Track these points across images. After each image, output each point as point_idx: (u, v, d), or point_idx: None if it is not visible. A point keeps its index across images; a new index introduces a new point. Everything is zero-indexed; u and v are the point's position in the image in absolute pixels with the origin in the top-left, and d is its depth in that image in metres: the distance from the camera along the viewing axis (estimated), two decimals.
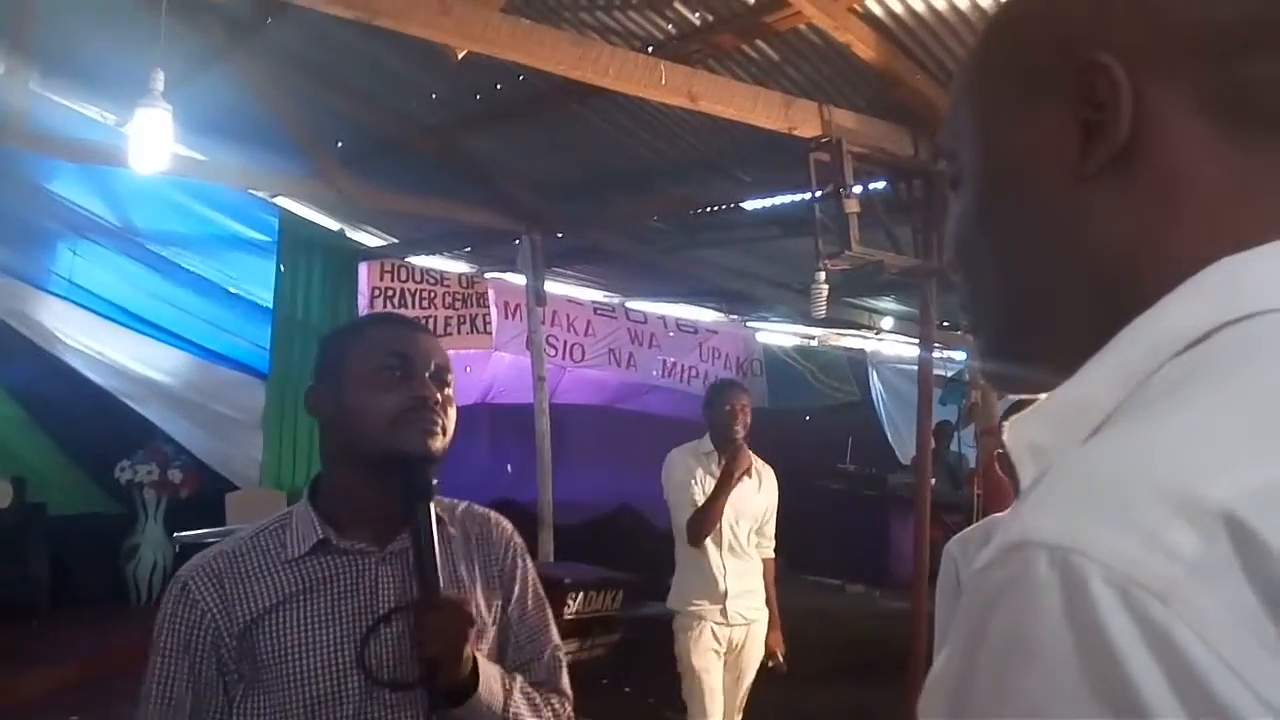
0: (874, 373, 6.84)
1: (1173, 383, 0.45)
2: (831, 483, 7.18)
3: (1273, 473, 0.38)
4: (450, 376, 1.35)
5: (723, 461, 3.75)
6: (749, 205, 4.66)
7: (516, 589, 1.42)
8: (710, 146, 4.30)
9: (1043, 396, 0.52)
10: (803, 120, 3.20)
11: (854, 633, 5.84)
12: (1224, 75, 0.49)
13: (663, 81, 2.96)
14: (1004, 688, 0.39)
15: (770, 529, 3.92)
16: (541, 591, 1.46)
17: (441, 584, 1.27)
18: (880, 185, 3.63)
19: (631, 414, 6.97)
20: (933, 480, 4.60)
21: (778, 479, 3.93)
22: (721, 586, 3.73)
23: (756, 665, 3.87)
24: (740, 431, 3.72)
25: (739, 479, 3.68)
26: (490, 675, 1.29)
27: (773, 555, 3.93)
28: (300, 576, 1.27)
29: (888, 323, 6.15)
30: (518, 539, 1.46)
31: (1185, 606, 0.36)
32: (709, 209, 4.83)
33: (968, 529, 2.38)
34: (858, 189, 3.35)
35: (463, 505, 1.44)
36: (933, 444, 4.40)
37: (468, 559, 1.38)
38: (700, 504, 3.67)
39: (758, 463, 3.82)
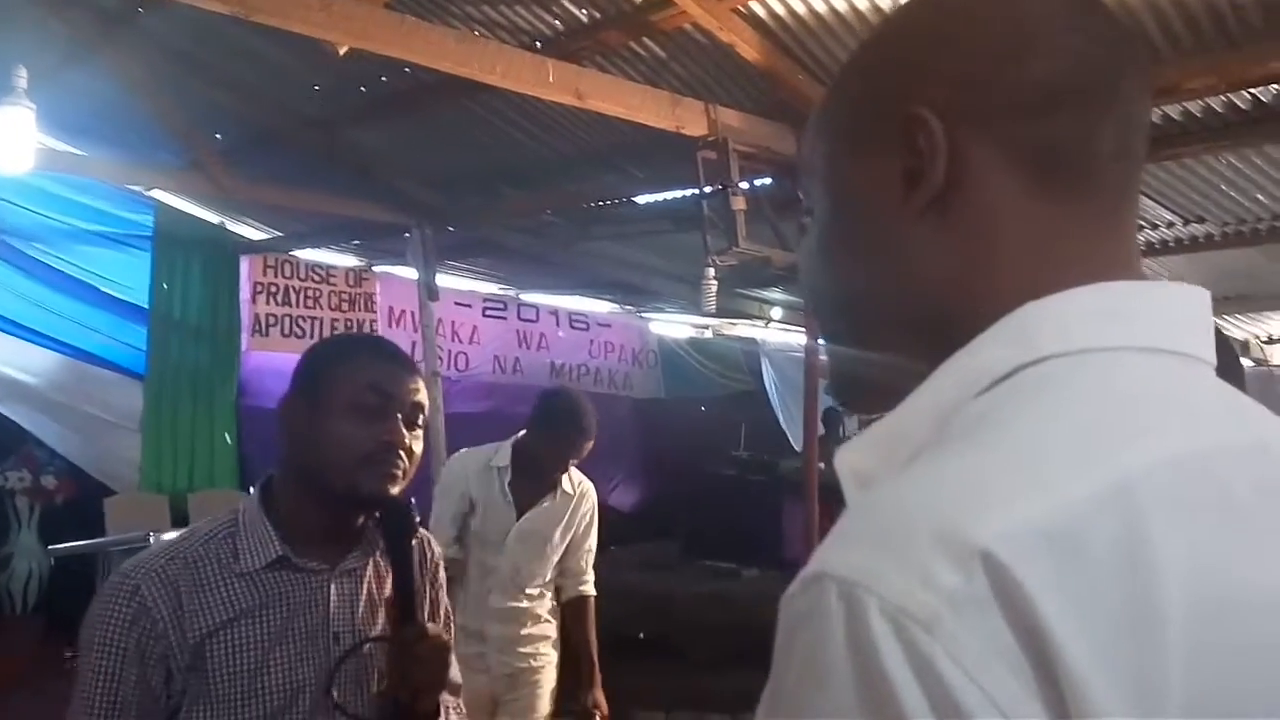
0: (766, 361, 6.98)
1: (967, 423, 0.49)
2: (726, 470, 7.32)
3: (1028, 513, 0.43)
4: (423, 416, 1.37)
5: (510, 483, 2.97)
6: (641, 200, 4.69)
7: (436, 608, 1.48)
8: (601, 141, 4.32)
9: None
10: (690, 119, 3.25)
11: (750, 617, 5.96)
12: (1032, 131, 0.54)
13: (550, 80, 2.96)
14: (801, 702, 0.44)
15: (583, 562, 3.13)
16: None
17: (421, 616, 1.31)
18: (766, 182, 3.71)
19: (522, 417, 6.98)
20: (822, 465, 4.72)
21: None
22: (476, 625, 2.93)
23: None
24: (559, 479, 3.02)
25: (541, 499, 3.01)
26: (448, 705, 1.35)
27: (591, 594, 3.15)
28: (255, 591, 1.26)
29: (777, 313, 6.29)
30: (438, 559, 1.52)
31: (946, 636, 0.41)
32: (601, 203, 4.85)
33: None
34: (744, 185, 3.42)
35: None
36: (822, 430, 4.50)
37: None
38: (453, 529, 2.94)
39: (571, 479, 3.06)
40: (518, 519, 3.00)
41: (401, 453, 1.31)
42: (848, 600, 0.42)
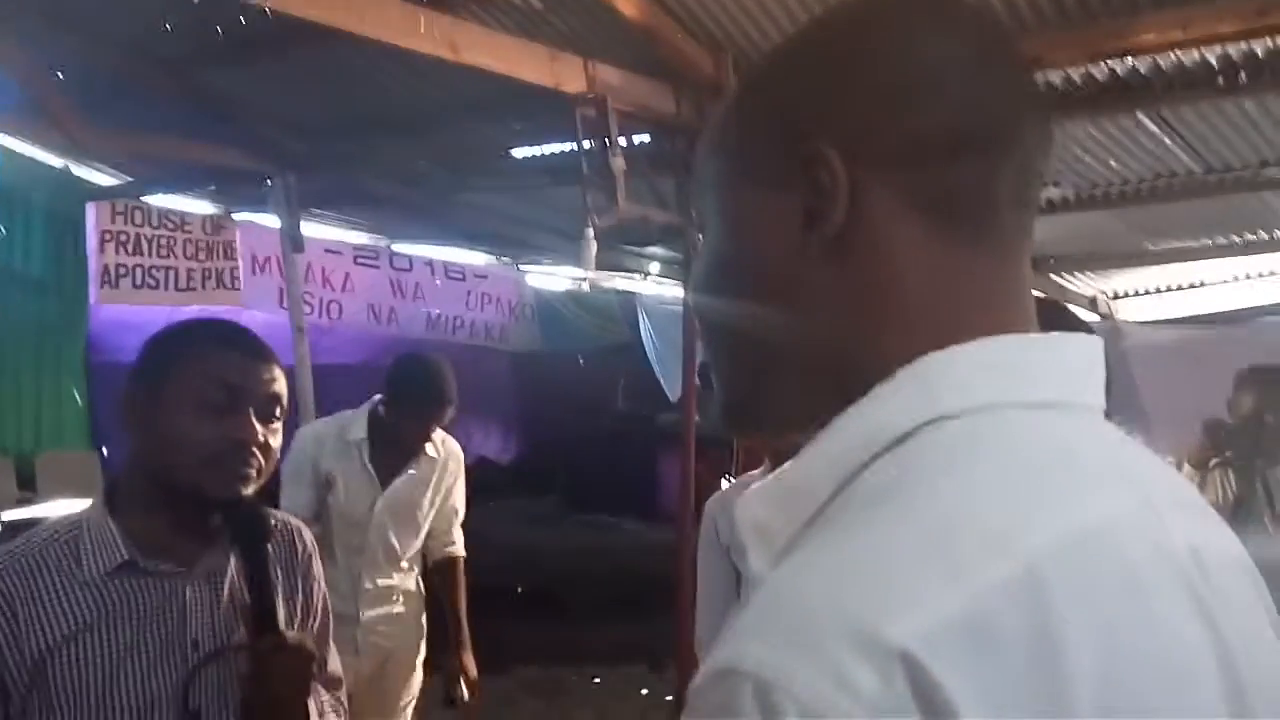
0: (643, 313, 6.99)
1: (870, 493, 0.49)
2: (604, 422, 7.36)
3: (942, 609, 0.43)
4: (279, 408, 1.27)
5: (370, 455, 2.81)
6: (519, 153, 4.60)
7: (309, 604, 1.41)
8: (477, 91, 4.19)
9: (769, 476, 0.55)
10: (568, 75, 3.18)
11: (628, 568, 6.06)
12: (932, 176, 0.53)
13: (422, 31, 2.85)
14: None
15: (450, 523, 3.06)
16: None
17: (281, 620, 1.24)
18: (645, 138, 3.69)
19: None
20: (699, 418, 4.77)
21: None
22: (348, 609, 2.75)
23: (403, 699, 3.03)
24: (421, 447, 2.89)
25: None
26: (324, 702, 1.30)
27: (460, 555, 3.09)
28: (100, 600, 1.16)
29: (655, 266, 6.29)
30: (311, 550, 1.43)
31: None
32: (478, 155, 4.73)
33: (722, 490, 2.48)
34: (623, 141, 3.38)
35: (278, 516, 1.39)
36: (698, 384, 4.54)
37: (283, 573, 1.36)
38: (310, 510, 2.74)
39: (435, 441, 2.94)
40: (383, 490, 2.88)
41: (255, 450, 1.22)
42: (762, 702, 0.41)
